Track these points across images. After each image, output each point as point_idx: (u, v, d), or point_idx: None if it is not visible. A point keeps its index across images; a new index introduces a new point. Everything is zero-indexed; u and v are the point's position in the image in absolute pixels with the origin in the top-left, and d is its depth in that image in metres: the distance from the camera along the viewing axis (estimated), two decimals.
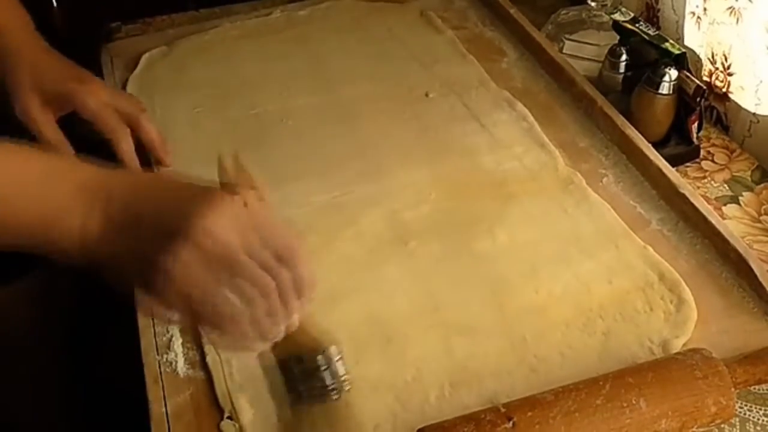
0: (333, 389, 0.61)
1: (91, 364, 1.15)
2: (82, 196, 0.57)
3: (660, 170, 0.88)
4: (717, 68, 1.02)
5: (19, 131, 0.91)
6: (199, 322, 0.57)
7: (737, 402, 0.67)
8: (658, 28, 1.09)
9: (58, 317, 1.10)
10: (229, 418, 0.68)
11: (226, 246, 0.54)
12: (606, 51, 1.06)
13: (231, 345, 0.60)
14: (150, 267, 0.54)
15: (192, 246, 0.53)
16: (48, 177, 0.58)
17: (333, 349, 0.62)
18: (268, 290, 0.56)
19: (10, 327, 1.04)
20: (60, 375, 1.14)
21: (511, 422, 0.61)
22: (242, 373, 0.71)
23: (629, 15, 1.05)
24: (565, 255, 0.81)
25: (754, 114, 0.98)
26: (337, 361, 0.62)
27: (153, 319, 0.76)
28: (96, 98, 0.88)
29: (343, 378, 0.62)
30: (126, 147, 0.89)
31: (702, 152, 0.99)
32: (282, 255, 0.56)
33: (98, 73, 1.11)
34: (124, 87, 1.08)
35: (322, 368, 0.61)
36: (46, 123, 0.87)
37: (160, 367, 0.73)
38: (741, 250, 0.78)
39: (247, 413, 0.68)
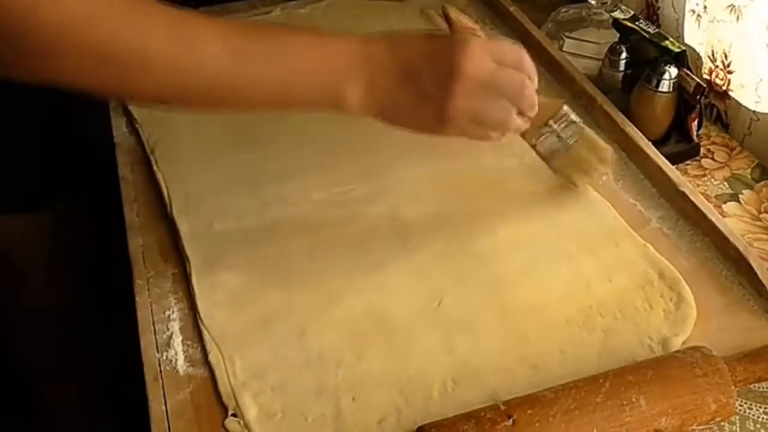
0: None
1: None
2: (359, 71, 0.70)
3: (660, 168, 0.88)
4: (717, 66, 1.02)
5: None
6: (478, 129, 0.74)
7: (737, 400, 0.67)
8: (658, 26, 1.09)
9: (71, 252, 1.11)
10: (233, 415, 0.68)
11: (486, 72, 0.71)
12: (606, 49, 1.06)
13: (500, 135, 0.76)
14: (437, 104, 0.71)
15: (465, 80, 0.70)
16: (324, 60, 0.71)
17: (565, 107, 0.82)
18: (522, 87, 0.73)
19: (25, 255, 1.06)
20: (72, 314, 1.15)
21: (511, 420, 0.61)
22: (246, 370, 0.71)
23: (629, 13, 1.05)
24: (565, 253, 0.81)
25: (754, 112, 0.98)
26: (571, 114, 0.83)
27: (153, 320, 0.77)
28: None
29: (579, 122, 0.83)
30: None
31: (702, 150, 0.99)
32: (517, 65, 0.73)
33: None
34: None
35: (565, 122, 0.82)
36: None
37: (160, 365, 0.73)
38: (741, 248, 0.78)
39: (251, 410, 0.68)
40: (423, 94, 0.71)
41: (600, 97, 0.98)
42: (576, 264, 0.80)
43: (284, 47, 0.70)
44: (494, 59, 0.71)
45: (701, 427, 0.65)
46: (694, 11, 1.05)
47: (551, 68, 1.06)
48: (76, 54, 0.62)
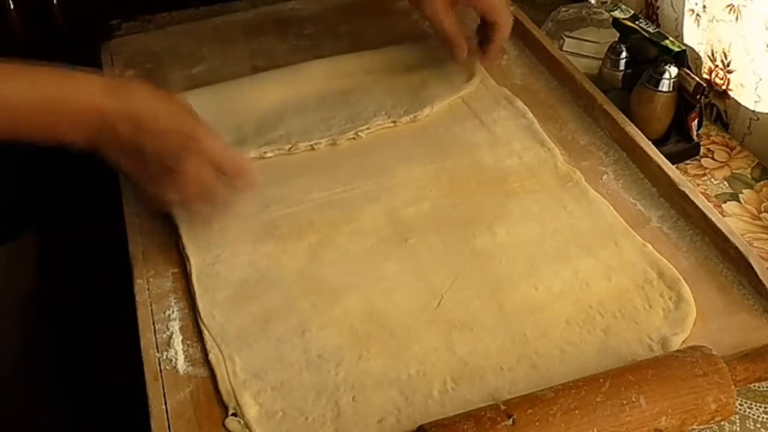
0: None
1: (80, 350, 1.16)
2: (88, 129, 0.74)
3: (660, 168, 0.88)
4: (717, 66, 1.02)
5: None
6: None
7: (737, 399, 0.67)
8: (658, 26, 1.09)
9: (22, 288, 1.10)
10: (234, 414, 0.68)
11: (199, 175, 0.78)
12: (606, 48, 1.06)
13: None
14: (150, 180, 0.79)
15: (182, 173, 0.77)
16: (55, 104, 0.73)
17: None
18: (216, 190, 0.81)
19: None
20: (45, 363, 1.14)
21: (511, 419, 0.61)
22: (246, 370, 0.71)
23: (629, 12, 1.05)
24: (565, 252, 0.81)
25: (753, 111, 0.98)
26: None
27: (153, 319, 0.77)
28: None
29: None
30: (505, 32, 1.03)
31: (702, 150, 0.99)
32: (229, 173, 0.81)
33: (99, 71, 1.11)
34: None
35: None
36: (448, 21, 1.01)
37: (160, 364, 0.73)
38: (741, 248, 0.78)
39: (251, 409, 0.68)
40: (142, 167, 0.78)
41: (600, 97, 0.98)
42: (575, 263, 0.80)
43: (23, 83, 0.73)
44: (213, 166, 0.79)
45: (701, 427, 0.65)
46: (693, 11, 1.05)
47: (551, 68, 1.06)
48: None
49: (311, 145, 0.95)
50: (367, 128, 0.97)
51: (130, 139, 0.75)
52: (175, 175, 0.77)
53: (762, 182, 0.95)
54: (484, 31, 1.03)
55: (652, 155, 0.89)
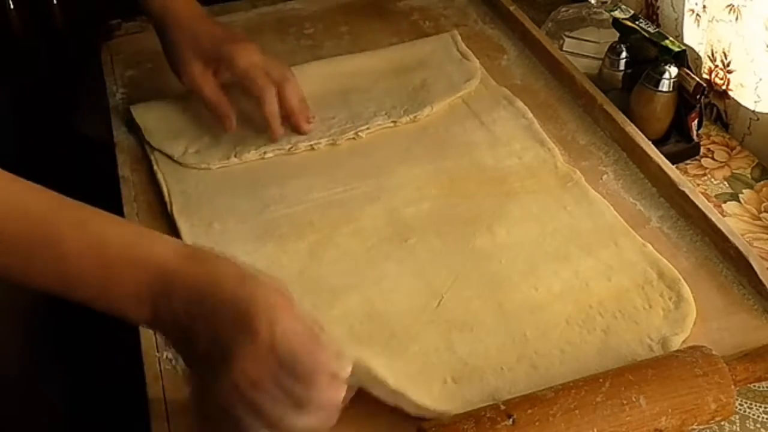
0: None
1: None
2: (142, 302, 0.59)
3: (660, 168, 0.88)
4: (717, 66, 1.02)
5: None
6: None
7: (737, 399, 0.67)
8: (658, 26, 1.09)
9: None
10: None
11: (255, 384, 0.56)
12: (606, 48, 1.06)
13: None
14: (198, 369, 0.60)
15: (231, 379, 0.56)
16: (109, 274, 0.59)
17: None
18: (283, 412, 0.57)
19: None
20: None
21: (511, 419, 0.61)
22: None
23: (629, 12, 1.04)
24: (565, 252, 0.81)
25: (753, 111, 0.98)
26: None
27: None
28: (247, 58, 0.93)
29: None
30: (270, 108, 0.93)
31: (702, 150, 0.99)
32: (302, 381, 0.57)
33: (98, 71, 1.11)
34: (125, 86, 1.08)
35: None
36: (208, 87, 0.94)
37: (160, 364, 0.73)
38: (741, 248, 0.78)
39: None
40: (191, 351, 0.60)
41: (600, 97, 0.98)
42: (575, 263, 0.80)
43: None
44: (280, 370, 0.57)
45: (701, 427, 0.65)
46: (693, 11, 1.05)
47: (551, 68, 1.06)
48: None
49: (311, 145, 0.95)
50: (367, 128, 0.97)
51: (184, 311, 0.58)
52: (224, 369, 0.56)
53: (762, 182, 0.95)
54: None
55: (652, 155, 0.89)
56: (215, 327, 0.57)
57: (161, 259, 0.59)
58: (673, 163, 0.90)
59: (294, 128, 0.96)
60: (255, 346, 0.56)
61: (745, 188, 0.94)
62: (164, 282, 0.58)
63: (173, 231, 0.85)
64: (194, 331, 0.58)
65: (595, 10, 1.17)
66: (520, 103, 1.00)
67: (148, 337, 0.75)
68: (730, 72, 1.01)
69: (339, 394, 0.58)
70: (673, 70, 0.94)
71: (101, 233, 0.60)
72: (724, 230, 0.80)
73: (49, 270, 0.60)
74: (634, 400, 0.62)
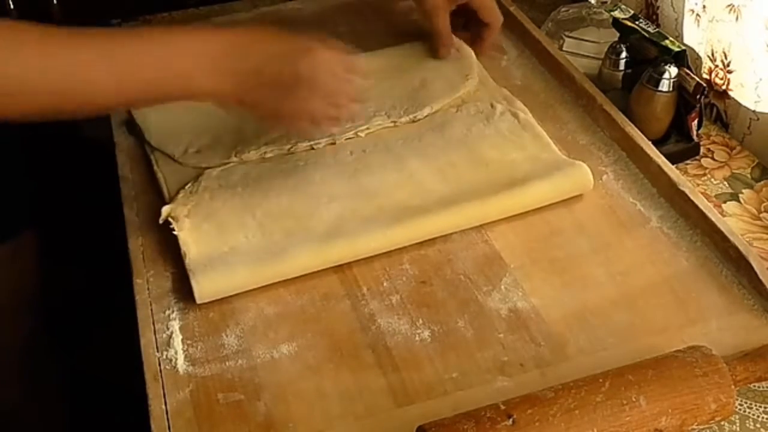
0: None
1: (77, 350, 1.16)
2: (212, 71, 0.77)
3: (660, 168, 0.88)
4: (717, 66, 1.02)
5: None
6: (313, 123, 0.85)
7: (737, 399, 0.67)
8: (658, 26, 1.09)
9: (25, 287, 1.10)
10: None
11: (325, 81, 0.82)
12: (606, 48, 1.06)
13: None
14: (277, 103, 0.82)
15: (306, 85, 0.81)
16: (175, 60, 0.76)
17: None
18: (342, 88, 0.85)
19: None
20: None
21: (511, 419, 0.61)
22: None
23: (629, 12, 1.04)
24: None
25: (753, 111, 0.98)
26: None
27: (153, 319, 0.77)
28: None
29: None
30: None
31: (702, 149, 0.99)
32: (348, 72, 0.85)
33: None
34: None
35: None
36: (443, 18, 1.05)
37: (160, 364, 0.73)
38: (741, 248, 0.78)
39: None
40: (267, 92, 0.80)
41: (600, 97, 0.98)
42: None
43: (143, 47, 0.76)
44: (338, 68, 0.83)
45: (701, 427, 0.65)
46: (693, 11, 1.05)
47: (551, 68, 1.06)
48: None
49: (311, 145, 0.95)
50: (367, 128, 0.97)
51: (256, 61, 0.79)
52: (297, 90, 0.81)
53: (762, 182, 0.95)
54: (476, 29, 1.07)
55: (652, 155, 0.89)
56: (281, 63, 0.80)
57: (213, 47, 0.78)
58: (673, 163, 0.90)
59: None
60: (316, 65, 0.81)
61: (745, 188, 0.94)
62: (231, 44, 0.79)
63: (172, 231, 0.85)
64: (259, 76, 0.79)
65: (595, 10, 1.18)
66: (519, 104, 1.00)
67: (148, 336, 0.75)
68: (730, 72, 1.01)
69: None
70: (673, 70, 0.94)
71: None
72: (724, 230, 0.80)
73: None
74: (634, 400, 0.62)
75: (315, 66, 0.81)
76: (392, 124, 0.98)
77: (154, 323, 0.76)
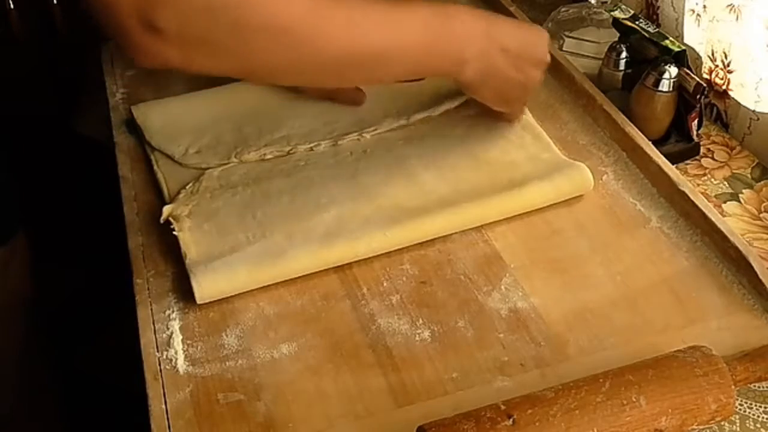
0: None
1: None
2: (480, 47, 0.81)
3: (660, 168, 0.88)
4: (717, 66, 1.02)
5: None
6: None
7: (737, 399, 0.67)
8: (658, 26, 1.09)
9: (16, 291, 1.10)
10: None
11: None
12: (606, 48, 1.06)
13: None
14: (516, 87, 0.87)
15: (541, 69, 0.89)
16: (455, 32, 0.80)
17: None
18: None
19: None
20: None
21: (511, 419, 0.61)
22: None
23: (629, 12, 1.05)
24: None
25: (754, 111, 0.98)
26: None
27: (153, 319, 0.77)
28: None
29: None
30: None
31: (702, 150, 0.99)
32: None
33: (98, 71, 1.11)
34: (126, 86, 1.08)
35: None
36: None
37: (160, 364, 0.73)
38: (741, 248, 0.78)
39: None
40: (510, 76, 0.85)
41: (600, 97, 0.98)
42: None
43: (424, 18, 0.78)
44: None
45: (701, 427, 0.65)
46: (693, 11, 1.05)
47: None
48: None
49: (311, 146, 0.95)
50: (369, 130, 0.97)
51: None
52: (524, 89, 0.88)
53: (762, 182, 0.95)
54: None
55: (652, 155, 0.89)
56: (525, 48, 0.85)
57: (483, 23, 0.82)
58: (673, 163, 0.90)
59: None
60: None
61: (745, 188, 0.94)
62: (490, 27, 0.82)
63: (173, 231, 0.85)
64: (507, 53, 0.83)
65: (595, 10, 1.17)
66: None
67: (147, 336, 0.75)
68: (730, 72, 1.01)
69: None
70: (673, 70, 0.94)
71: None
72: (724, 230, 0.80)
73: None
74: (634, 400, 0.62)
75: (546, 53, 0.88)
76: (396, 127, 0.98)
77: (154, 323, 0.76)
